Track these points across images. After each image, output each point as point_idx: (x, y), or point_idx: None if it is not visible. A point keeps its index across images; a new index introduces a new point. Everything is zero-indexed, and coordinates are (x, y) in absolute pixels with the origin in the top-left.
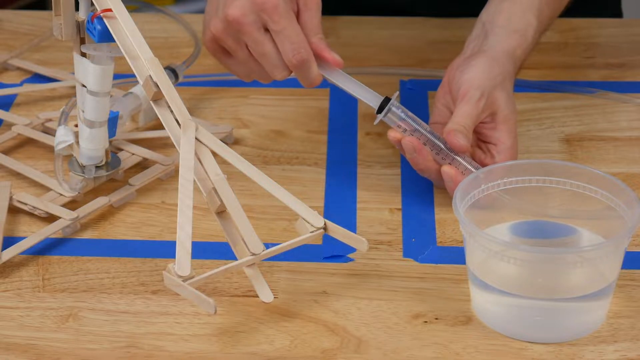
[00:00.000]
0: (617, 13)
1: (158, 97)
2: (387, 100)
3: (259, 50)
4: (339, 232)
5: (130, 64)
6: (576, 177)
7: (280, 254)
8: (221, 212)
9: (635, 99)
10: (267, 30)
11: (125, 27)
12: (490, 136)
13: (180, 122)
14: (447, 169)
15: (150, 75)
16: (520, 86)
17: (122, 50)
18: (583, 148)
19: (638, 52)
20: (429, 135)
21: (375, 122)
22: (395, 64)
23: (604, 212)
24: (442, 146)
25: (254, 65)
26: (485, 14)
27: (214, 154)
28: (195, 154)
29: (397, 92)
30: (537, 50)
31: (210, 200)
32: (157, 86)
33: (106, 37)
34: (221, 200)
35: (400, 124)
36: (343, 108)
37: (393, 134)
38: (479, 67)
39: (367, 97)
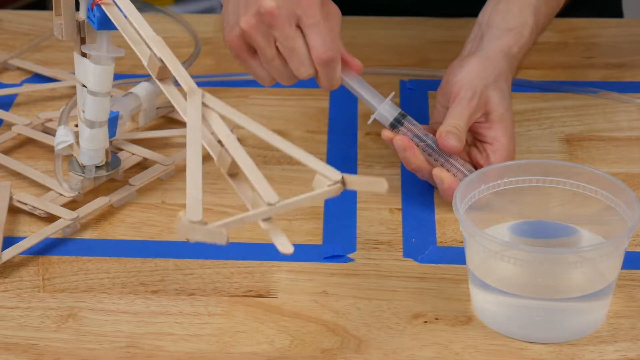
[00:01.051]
0: (617, 13)
1: (163, 76)
2: (402, 115)
3: (289, 46)
4: (356, 181)
5: (134, 48)
6: (576, 177)
7: (280, 253)
8: (234, 175)
9: (635, 99)
10: (297, 27)
11: (124, 9)
12: (485, 135)
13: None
14: (437, 172)
15: (153, 52)
16: (520, 86)
17: (124, 36)
18: (583, 148)
19: (638, 52)
20: (432, 143)
21: (369, 122)
22: (395, 64)
23: (604, 212)
24: (435, 147)
25: (278, 64)
26: (482, 15)
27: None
28: (203, 117)
29: (392, 93)
30: (537, 50)
31: (221, 161)
32: (162, 61)
33: (105, 24)
34: (232, 158)
35: (402, 129)
36: (343, 108)
37: (387, 133)
38: (471, 67)
39: (373, 99)
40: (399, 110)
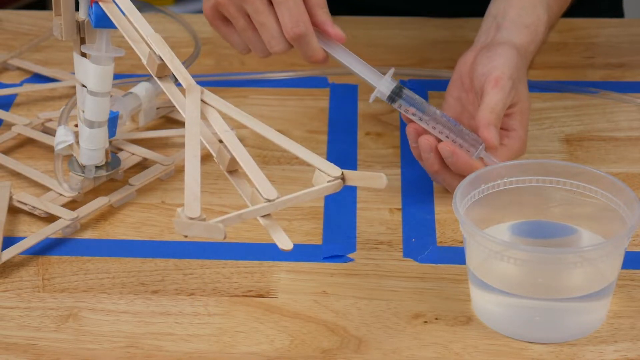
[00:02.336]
0: (617, 13)
1: (163, 74)
2: (399, 88)
3: (259, 20)
4: (356, 177)
5: (133, 47)
6: (576, 177)
7: (280, 253)
8: (233, 172)
9: (635, 99)
10: (269, 1)
11: (123, 6)
12: (504, 123)
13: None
14: (444, 145)
15: (152, 50)
16: None
17: (123, 34)
18: (583, 148)
19: (638, 52)
20: (438, 116)
21: (371, 100)
22: (395, 64)
23: (604, 212)
24: (453, 126)
25: (251, 35)
26: (495, 7)
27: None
28: (202, 114)
29: (392, 69)
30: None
31: (221, 157)
32: (161, 59)
33: (103, 21)
34: (231, 154)
35: (403, 104)
36: (343, 108)
37: (413, 127)
38: (506, 56)
39: (369, 76)
40: (397, 83)
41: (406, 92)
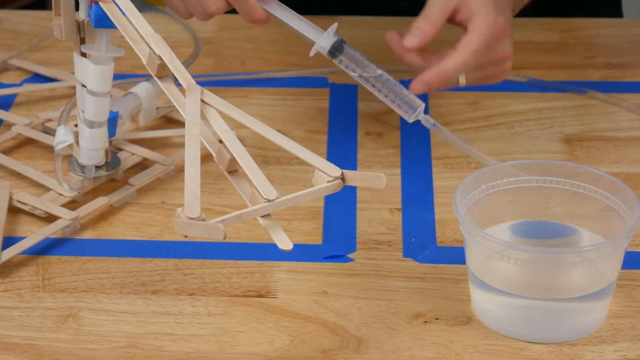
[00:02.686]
0: (617, 13)
1: (163, 74)
2: (340, 42)
3: None
4: (356, 177)
5: (133, 47)
6: (576, 177)
7: (280, 253)
8: (233, 172)
9: (623, 101)
10: None
11: (123, 6)
12: (459, 17)
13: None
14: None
15: (152, 50)
16: (521, 86)
17: (123, 34)
18: (583, 148)
19: (638, 52)
20: (377, 75)
21: (311, 54)
22: (396, 63)
23: (604, 212)
24: (393, 86)
25: None
26: None
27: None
28: (202, 114)
29: (336, 24)
30: (537, 50)
31: (221, 157)
32: (161, 59)
33: (103, 21)
34: (231, 154)
35: (343, 59)
36: (343, 108)
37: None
38: None
39: (310, 32)
40: (338, 37)
41: (347, 47)
